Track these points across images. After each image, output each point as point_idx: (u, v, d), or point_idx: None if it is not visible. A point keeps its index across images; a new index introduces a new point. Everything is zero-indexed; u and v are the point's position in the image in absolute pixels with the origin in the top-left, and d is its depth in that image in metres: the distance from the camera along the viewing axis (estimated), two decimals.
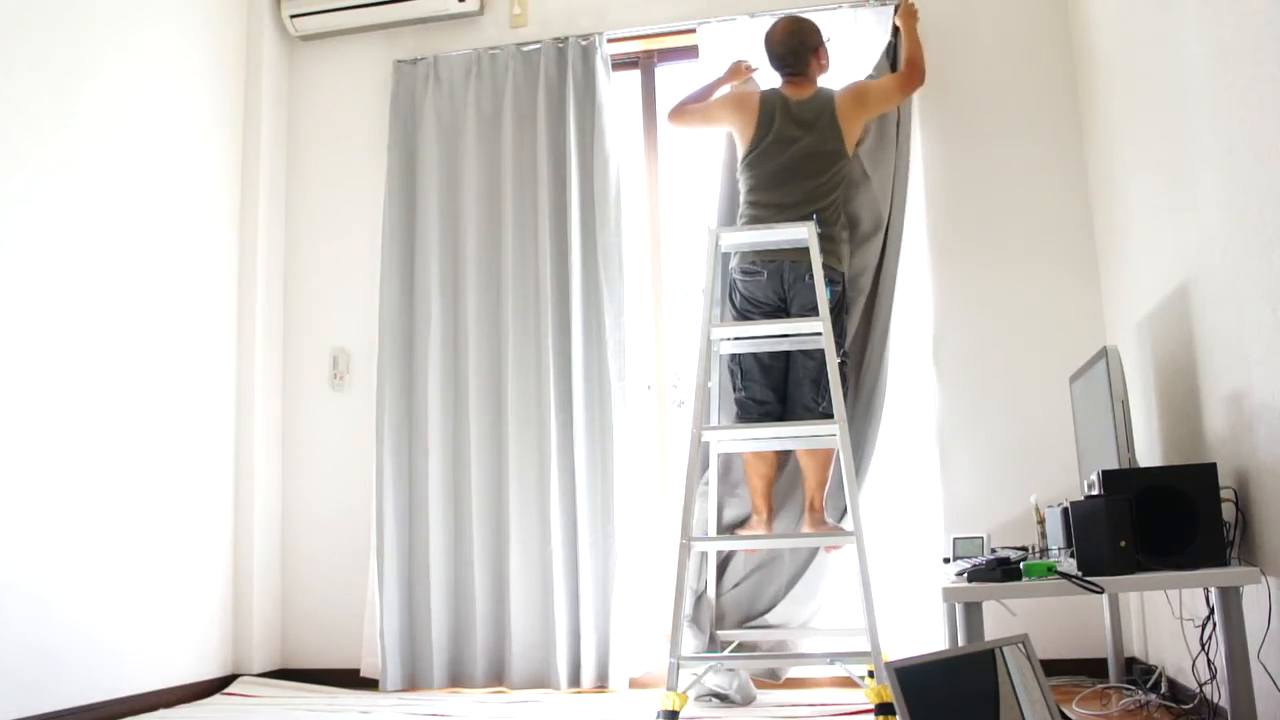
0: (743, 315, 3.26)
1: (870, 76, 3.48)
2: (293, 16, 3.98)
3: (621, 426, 3.56)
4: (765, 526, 3.28)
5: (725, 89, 3.57)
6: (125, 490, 3.25)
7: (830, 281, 3.20)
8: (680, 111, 3.50)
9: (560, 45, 3.82)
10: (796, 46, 3.32)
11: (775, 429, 3.00)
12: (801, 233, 3.04)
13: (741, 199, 3.32)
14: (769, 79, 3.48)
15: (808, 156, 3.22)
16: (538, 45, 3.84)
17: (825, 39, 3.42)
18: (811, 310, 3.15)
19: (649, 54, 3.94)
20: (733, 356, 3.31)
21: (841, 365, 3.23)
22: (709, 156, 3.63)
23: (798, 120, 3.26)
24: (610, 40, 3.82)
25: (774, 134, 3.25)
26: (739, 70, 3.56)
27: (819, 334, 3.08)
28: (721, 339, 3.24)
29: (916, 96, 3.52)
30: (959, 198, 3.56)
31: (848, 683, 3.29)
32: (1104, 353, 2.46)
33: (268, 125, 4.00)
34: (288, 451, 3.95)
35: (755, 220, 3.23)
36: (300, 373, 3.99)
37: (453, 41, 4.01)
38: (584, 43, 3.80)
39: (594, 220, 3.68)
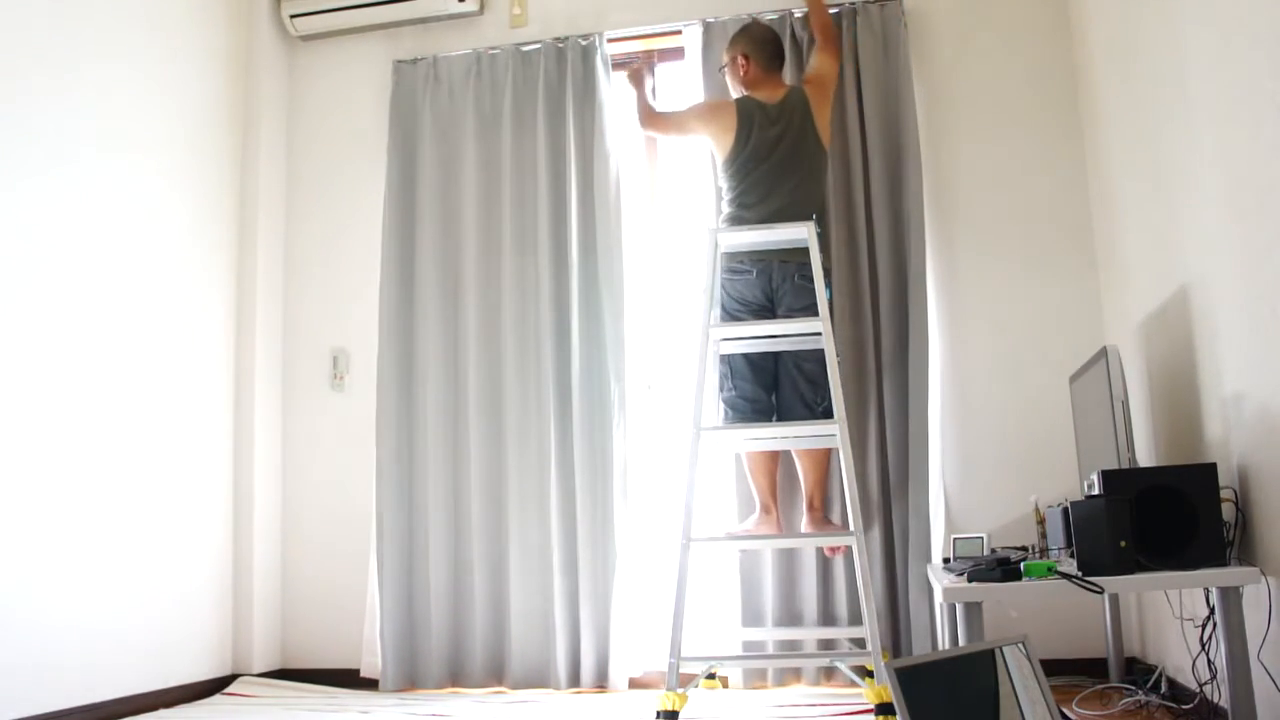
0: (732, 315, 3.26)
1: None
2: (293, 16, 3.98)
3: (620, 426, 3.56)
4: (776, 525, 3.27)
5: (650, 97, 3.66)
6: (125, 490, 3.25)
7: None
8: (651, 121, 3.52)
9: (560, 45, 3.82)
10: (779, 44, 3.40)
11: (775, 429, 3.00)
12: (800, 233, 3.03)
13: (725, 203, 3.31)
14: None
15: (792, 157, 3.24)
16: (537, 45, 3.84)
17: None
18: (800, 311, 3.16)
19: (649, 54, 3.94)
20: (722, 357, 3.31)
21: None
22: (708, 156, 3.63)
23: (776, 122, 3.27)
24: (610, 40, 3.82)
25: (754, 139, 3.26)
26: (639, 75, 3.62)
27: (818, 334, 3.07)
28: (721, 339, 3.23)
29: (917, 96, 3.53)
30: (958, 197, 3.56)
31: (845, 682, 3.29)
32: (1104, 353, 2.46)
33: (267, 125, 3.99)
34: (288, 451, 3.94)
35: (741, 223, 3.21)
36: (300, 373, 3.99)
37: (453, 42, 4.01)
38: (584, 43, 3.80)
39: (593, 220, 3.68)
